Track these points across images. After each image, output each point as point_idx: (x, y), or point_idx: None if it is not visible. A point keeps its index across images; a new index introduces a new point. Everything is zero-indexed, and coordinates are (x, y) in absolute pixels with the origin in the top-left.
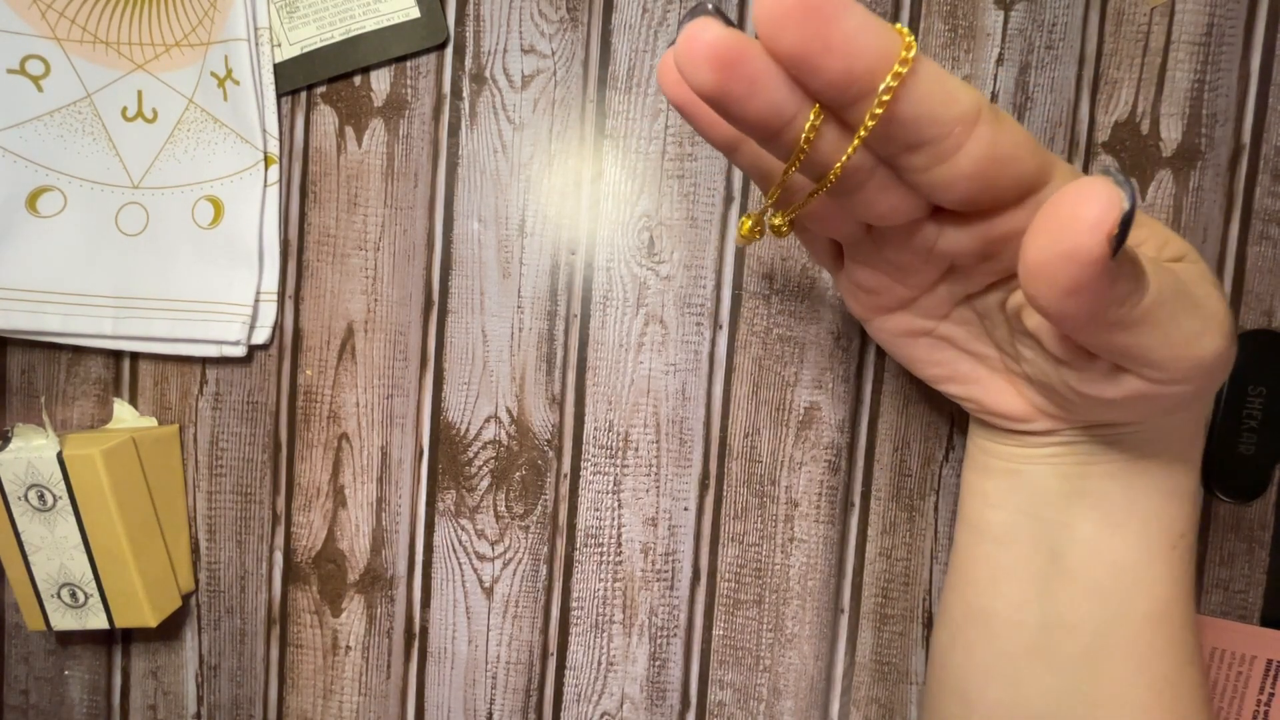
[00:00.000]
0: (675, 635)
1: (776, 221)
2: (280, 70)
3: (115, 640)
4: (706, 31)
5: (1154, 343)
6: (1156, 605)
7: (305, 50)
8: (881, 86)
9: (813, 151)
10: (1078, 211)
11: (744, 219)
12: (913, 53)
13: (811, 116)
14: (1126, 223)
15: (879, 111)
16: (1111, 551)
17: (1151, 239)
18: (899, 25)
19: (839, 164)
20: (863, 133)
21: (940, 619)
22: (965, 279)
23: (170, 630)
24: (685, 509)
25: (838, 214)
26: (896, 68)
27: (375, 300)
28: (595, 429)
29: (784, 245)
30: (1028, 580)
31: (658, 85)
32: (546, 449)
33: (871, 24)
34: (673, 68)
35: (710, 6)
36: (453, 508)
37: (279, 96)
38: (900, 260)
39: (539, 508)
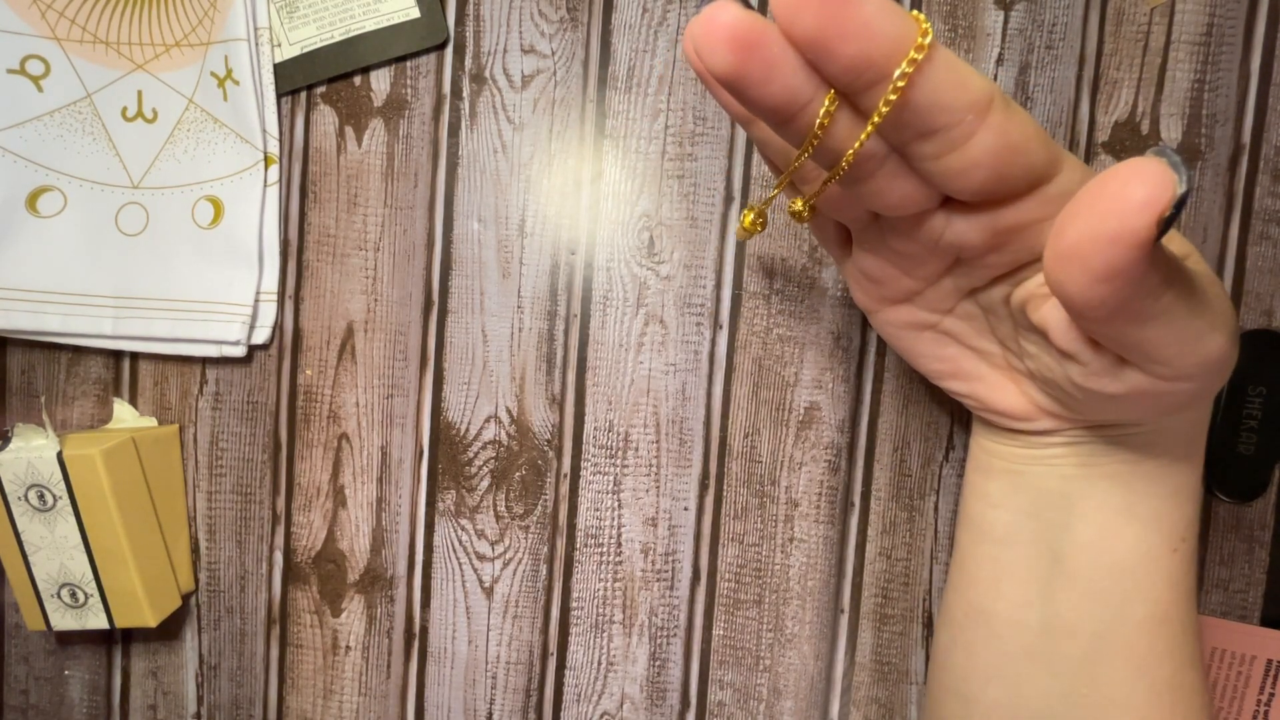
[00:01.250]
0: (675, 635)
1: (798, 206)
2: (280, 70)
3: (115, 640)
4: (724, 13)
5: (1166, 338)
6: (1157, 609)
7: (305, 50)
8: (897, 73)
9: (826, 137)
10: (1128, 191)
11: (745, 211)
12: (929, 39)
13: (826, 102)
14: (1180, 206)
15: (893, 98)
16: (1112, 554)
17: None
18: (916, 12)
19: (851, 151)
20: (876, 119)
21: (941, 619)
22: (971, 272)
23: (170, 630)
24: (685, 509)
25: (848, 199)
26: (912, 54)
27: (375, 300)
28: (595, 429)
29: (784, 245)
30: (1029, 581)
31: (657, 85)
32: (546, 449)
33: (888, 9)
34: None
35: None
36: (453, 508)
37: (279, 96)
38: (906, 250)
39: (539, 508)
